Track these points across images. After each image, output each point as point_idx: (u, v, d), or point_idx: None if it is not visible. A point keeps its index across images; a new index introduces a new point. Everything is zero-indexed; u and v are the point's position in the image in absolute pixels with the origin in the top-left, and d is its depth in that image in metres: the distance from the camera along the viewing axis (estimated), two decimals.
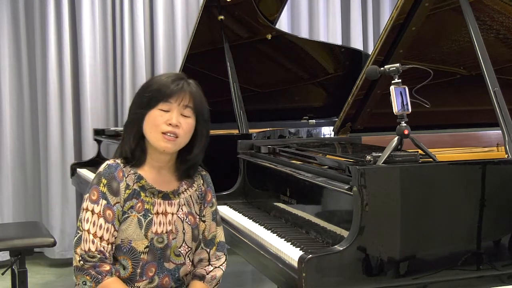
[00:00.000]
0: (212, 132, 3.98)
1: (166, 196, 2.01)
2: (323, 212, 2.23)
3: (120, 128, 4.46)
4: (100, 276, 1.88)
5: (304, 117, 4.47)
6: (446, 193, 1.96)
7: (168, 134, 1.93)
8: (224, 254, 2.13)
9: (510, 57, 2.87)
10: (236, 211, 2.73)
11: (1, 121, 4.80)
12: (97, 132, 4.62)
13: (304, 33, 5.26)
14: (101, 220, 1.91)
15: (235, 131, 3.62)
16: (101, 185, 1.93)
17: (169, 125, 1.93)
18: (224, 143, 3.47)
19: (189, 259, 2.05)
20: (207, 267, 2.08)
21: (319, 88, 4.47)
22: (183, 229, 2.01)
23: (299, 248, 2.07)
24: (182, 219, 2.01)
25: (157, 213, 1.98)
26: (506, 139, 2.15)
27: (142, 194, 1.97)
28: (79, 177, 4.39)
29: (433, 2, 2.61)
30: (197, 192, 2.08)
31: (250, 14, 3.96)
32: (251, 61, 4.16)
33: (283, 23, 5.06)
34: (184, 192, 2.05)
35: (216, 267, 2.09)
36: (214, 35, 3.92)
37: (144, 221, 1.95)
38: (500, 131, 2.20)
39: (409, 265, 1.90)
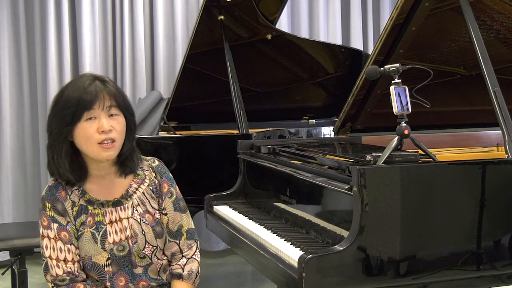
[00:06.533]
0: (212, 132, 3.97)
1: (117, 203, 1.96)
2: (323, 212, 2.22)
3: None
4: None
5: (304, 117, 4.47)
6: (446, 193, 1.96)
7: (105, 142, 1.85)
8: (195, 241, 2.06)
9: (510, 57, 2.87)
10: (236, 211, 2.73)
11: (1, 121, 4.79)
12: None
13: (304, 33, 5.25)
14: (59, 243, 1.90)
15: (235, 131, 3.62)
16: (47, 209, 1.92)
17: (102, 133, 1.84)
18: (224, 143, 3.47)
19: (157, 258, 1.99)
20: (181, 260, 2.02)
21: (319, 88, 4.47)
22: (142, 230, 1.95)
23: (299, 248, 2.07)
24: (139, 220, 1.95)
25: (111, 222, 1.93)
26: (506, 139, 2.15)
27: (90, 207, 1.93)
28: None
29: (433, 2, 2.61)
30: (150, 187, 2.00)
31: (250, 14, 3.96)
32: (251, 61, 4.16)
33: (283, 23, 5.05)
34: (136, 192, 1.99)
35: (189, 258, 2.02)
36: (214, 35, 3.91)
37: (98, 234, 1.91)
38: (500, 131, 2.20)
39: (409, 265, 1.90)
